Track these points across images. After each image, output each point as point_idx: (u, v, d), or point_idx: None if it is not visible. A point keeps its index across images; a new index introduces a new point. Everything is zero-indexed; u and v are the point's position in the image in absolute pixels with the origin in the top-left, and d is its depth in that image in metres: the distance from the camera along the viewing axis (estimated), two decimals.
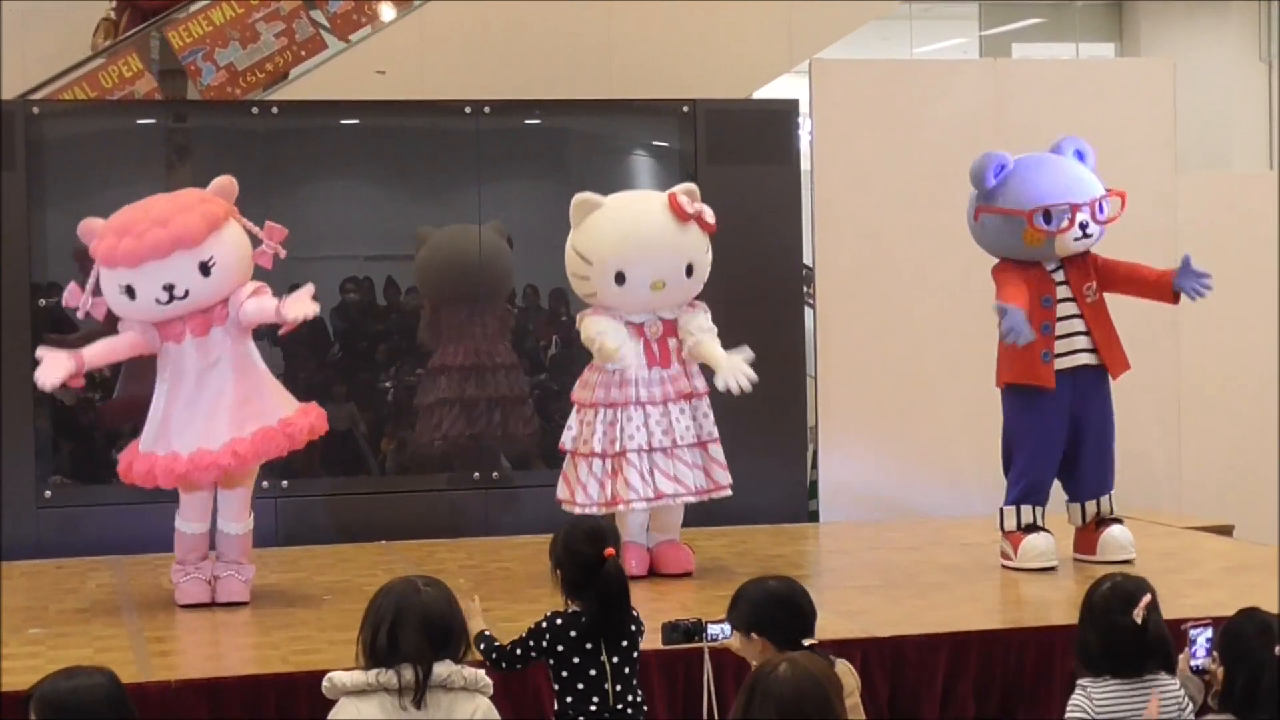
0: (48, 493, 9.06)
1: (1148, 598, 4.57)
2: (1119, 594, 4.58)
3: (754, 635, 4.62)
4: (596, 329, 7.68)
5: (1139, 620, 4.52)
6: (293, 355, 9.36)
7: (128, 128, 9.80)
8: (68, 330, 9.18)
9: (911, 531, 9.13)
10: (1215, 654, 4.50)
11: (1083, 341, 7.78)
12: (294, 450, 7.30)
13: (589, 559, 4.95)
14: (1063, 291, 7.79)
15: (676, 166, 9.78)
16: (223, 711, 5.73)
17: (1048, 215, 7.68)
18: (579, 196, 7.83)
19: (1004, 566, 7.89)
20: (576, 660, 4.91)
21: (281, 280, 7.44)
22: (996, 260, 7.94)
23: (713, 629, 5.16)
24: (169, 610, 7.22)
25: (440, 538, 9.13)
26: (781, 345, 9.76)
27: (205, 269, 7.02)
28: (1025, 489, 7.85)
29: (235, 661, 6.60)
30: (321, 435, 7.37)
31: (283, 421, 7.15)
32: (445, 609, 4.16)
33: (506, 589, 7.44)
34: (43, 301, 9.08)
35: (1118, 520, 7.95)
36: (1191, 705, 4.60)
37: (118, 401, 9.13)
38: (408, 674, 4.06)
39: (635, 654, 5.00)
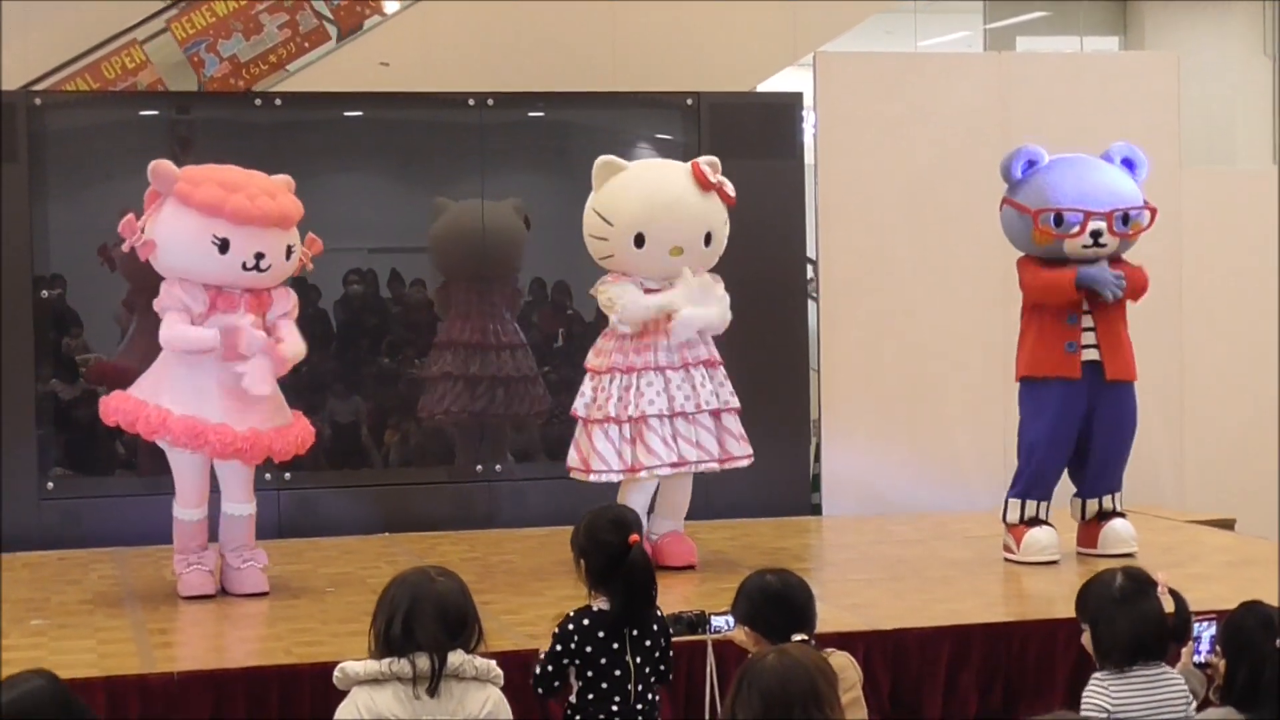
0: (50, 484, 9.05)
1: (1162, 577, 4.60)
2: (1136, 583, 4.59)
3: (748, 629, 4.62)
4: (615, 290, 7.69)
5: (1164, 601, 4.54)
6: None
7: (130, 119, 9.78)
8: (70, 323, 9.19)
9: (914, 525, 9.14)
10: (1218, 648, 4.51)
11: (1090, 338, 7.76)
12: (299, 456, 7.50)
13: (614, 548, 4.79)
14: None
15: (680, 159, 9.75)
16: (226, 703, 5.73)
17: (1059, 218, 7.64)
18: (602, 159, 7.83)
19: (1006, 560, 7.90)
20: (604, 661, 4.76)
21: None
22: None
23: (716, 621, 5.17)
24: (171, 601, 7.22)
25: (443, 530, 9.14)
26: (784, 338, 9.77)
27: (289, 253, 7.20)
28: (1030, 481, 7.85)
29: (238, 653, 6.60)
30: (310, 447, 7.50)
31: (295, 421, 7.35)
32: (460, 598, 4.17)
33: (509, 582, 7.43)
34: (45, 293, 9.07)
35: (1120, 514, 7.96)
36: (1194, 699, 4.61)
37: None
38: (422, 663, 4.05)
39: (657, 654, 4.87)
